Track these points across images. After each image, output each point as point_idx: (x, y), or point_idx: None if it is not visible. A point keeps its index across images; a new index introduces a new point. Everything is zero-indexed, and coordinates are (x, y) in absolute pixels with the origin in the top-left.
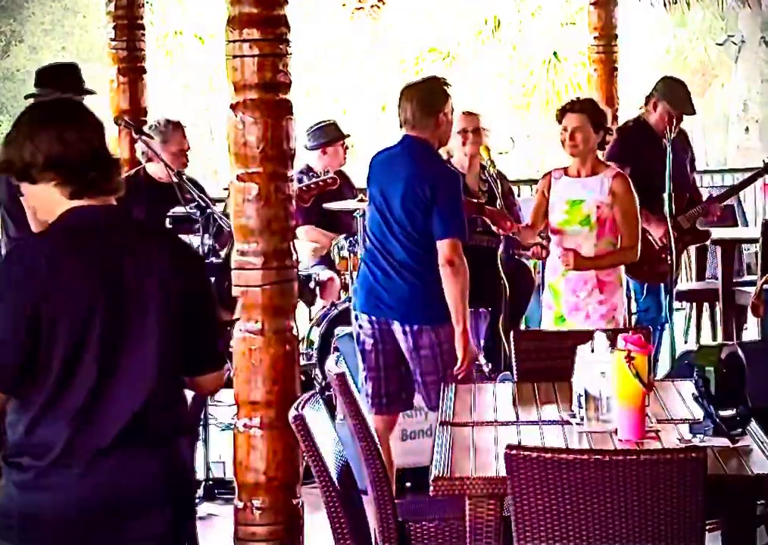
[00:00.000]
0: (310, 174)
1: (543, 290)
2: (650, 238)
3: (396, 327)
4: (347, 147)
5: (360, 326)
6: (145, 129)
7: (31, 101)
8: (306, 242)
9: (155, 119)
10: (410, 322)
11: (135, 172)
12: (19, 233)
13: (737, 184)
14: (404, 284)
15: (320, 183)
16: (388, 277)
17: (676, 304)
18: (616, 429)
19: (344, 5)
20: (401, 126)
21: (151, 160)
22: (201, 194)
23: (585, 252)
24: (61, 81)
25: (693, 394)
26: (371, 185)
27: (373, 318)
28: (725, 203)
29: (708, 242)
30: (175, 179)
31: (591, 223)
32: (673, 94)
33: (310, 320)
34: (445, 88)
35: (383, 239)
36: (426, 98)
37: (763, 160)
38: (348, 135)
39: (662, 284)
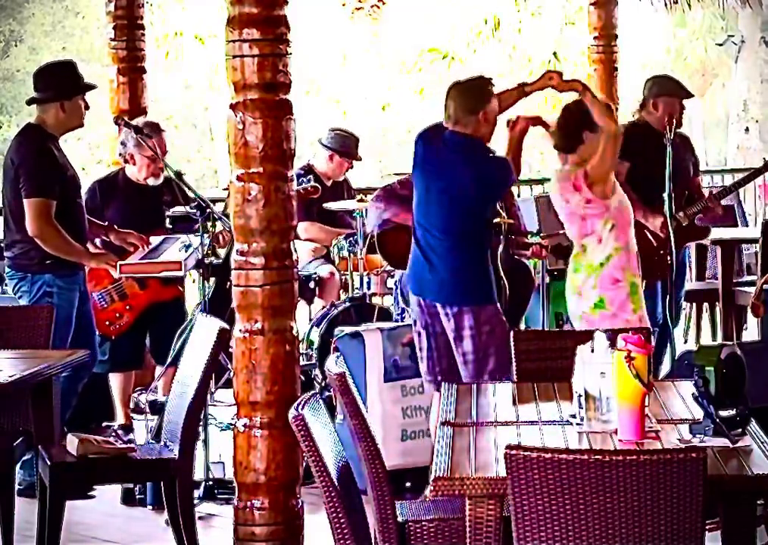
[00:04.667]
0: (308, 177)
1: (542, 289)
2: (647, 233)
3: (439, 309)
4: (351, 166)
5: (413, 308)
6: (122, 133)
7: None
8: (305, 242)
9: (135, 121)
10: (450, 304)
11: (115, 173)
12: (20, 235)
13: (735, 181)
14: (445, 268)
15: (300, 191)
16: (430, 261)
17: None
18: (616, 429)
19: (344, 5)
20: (445, 121)
21: (127, 162)
22: (190, 196)
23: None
24: (64, 81)
25: (693, 394)
26: (416, 170)
27: (421, 300)
28: (725, 201)
29: (708, 242)
30: (153, 183)
31: None
32: (668, 87)
33: (310, 320)
34: (490, 88)
35: (426, 224)
36: (469, 96)
37: (764, 158)
38: (360, 159)
39: (659, 284)
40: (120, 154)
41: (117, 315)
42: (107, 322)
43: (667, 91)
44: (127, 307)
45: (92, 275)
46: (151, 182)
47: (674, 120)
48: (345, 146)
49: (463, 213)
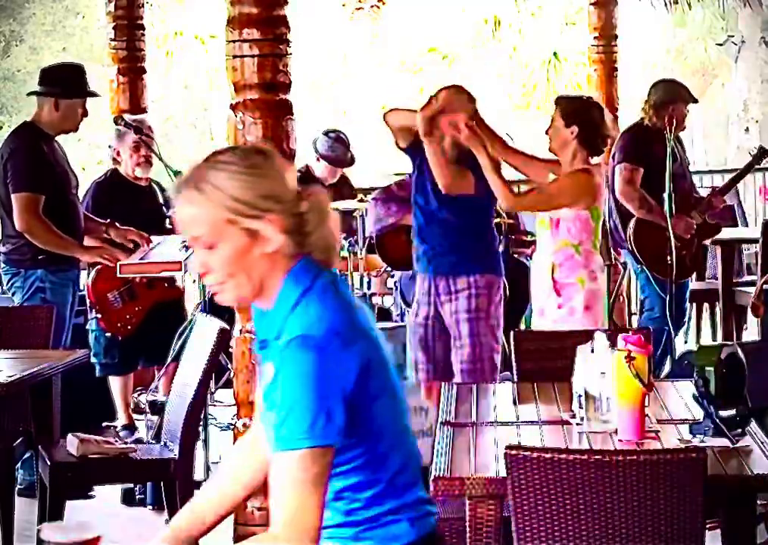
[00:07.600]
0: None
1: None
2: (668, 233)
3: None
4: (342, 171)
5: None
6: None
7: (33, 99)
8: None
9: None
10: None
11: (111, 175)
12: (13, 230)
13: (735, 175)
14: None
15: None
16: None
17: None
18: (616, 429)
19: (344, 5)
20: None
21: (118, 163)
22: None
23: (546, 254)
24: (65, 81)
25: (693, 394)
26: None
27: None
28: (727, 196)
29: (708, 242)
30: (142, 175)
31: (546, 223)
32: (680, 93)
33: None
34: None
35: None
36: None
37: (761, 147)
38: (351, 165)
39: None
40: (112, 158)
41: (128, 316)
42: (118, 324)
43: (682, 98)
44: (137, 308)
45: (102, 277)
46: (138, 173)
47: (674, 121)
48: (335, 155)
49: None
